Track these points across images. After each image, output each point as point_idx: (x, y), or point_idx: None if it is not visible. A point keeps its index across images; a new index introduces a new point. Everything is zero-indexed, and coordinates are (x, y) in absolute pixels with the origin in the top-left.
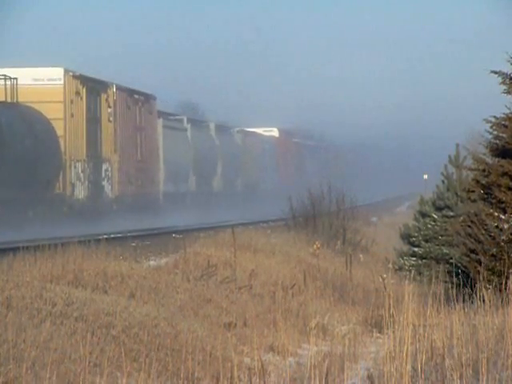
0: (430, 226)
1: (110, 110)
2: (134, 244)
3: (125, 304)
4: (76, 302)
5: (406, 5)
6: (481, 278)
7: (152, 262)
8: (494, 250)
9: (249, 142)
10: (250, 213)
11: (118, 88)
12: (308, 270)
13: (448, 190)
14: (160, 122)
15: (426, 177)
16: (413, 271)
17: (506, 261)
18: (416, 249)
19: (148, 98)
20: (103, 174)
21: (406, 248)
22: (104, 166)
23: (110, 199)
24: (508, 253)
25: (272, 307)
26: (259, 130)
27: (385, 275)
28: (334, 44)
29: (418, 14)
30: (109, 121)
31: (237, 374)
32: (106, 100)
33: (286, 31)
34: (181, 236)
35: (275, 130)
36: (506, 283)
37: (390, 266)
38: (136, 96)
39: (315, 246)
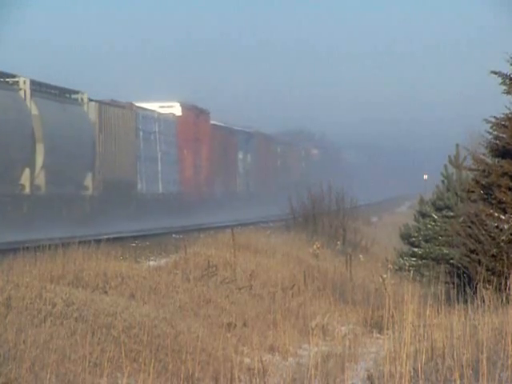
0: (429, 226)
1: None
2: (134, 244)
3: (125, 304)
4: (76, 302)
5: (406, 5)
6: (481, 278)
7: (152, 263)
8: (494, 250)
9: (114, 119)
10: (99, 228)
11: None
12: (308, 271)
13: (448, 190)
14: None
15: (425, 177)
16: (413, 271)
17: (506, 261)
18: (416, 249)
19: None
20: None
21: (405, 248)
22: None
23: None
24: (508, 253)
25: (272, 307)
26: (153, 106)
27: (385, 275)
28: (333, 43)
29: (418, 13)
30: None
31: (237, 375)
32: None
33: (283, 28)
34: (181, 236)
35: (176, 105)
36: (505, 283)
37: (390, 266)
38: None
39: (315, 246)
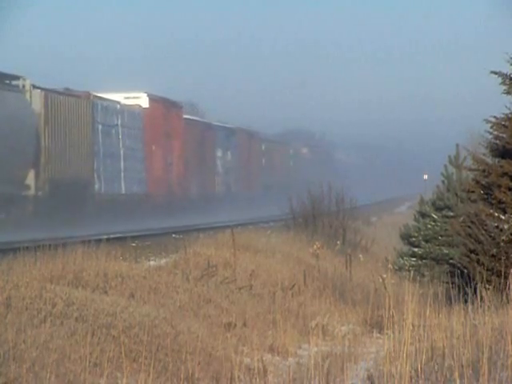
0: (429, 226)
1: None
2: (134, 244)
3: (125, 304)
4: (76, 302)
5: (406, 5)
6: (481, 278)
7: (152, 262)
8: (494, 250)
9: (64, 110)
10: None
11: None
12: (308, 270)
13: (448, 190)
14: None
15: (425, 177)
16: (413, 271)
17: (506, 261)
18: (416, 249)
19: None
20: None
21: (405, 248)
22: None
23: None
24: (508, 253)
25: (272, 307)
26: (117, 97)
27: (385, 275)
28: (333, 42)
29: (419, 13)
30: None
31: (237, 375)
32: None
33: (282, 28)
34: (181, 236)
35: (143, 96)
36: (505, 283)
37: (390, 266)
38: None
39: (315, 246)
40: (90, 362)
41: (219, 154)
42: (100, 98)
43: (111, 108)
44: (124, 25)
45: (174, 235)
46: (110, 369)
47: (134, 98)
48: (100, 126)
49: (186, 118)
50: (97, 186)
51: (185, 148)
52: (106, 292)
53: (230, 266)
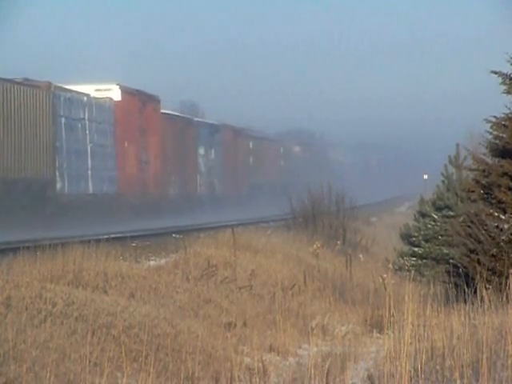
0: (430, 226)
1: None
2: (134, 244)
3: (125, 304)
4: (76, 302)
5: (406, 4)
6: (481, 278)
7: (152, 262)
8: (494, 250)
9: (19, 101)
10: None
11: None
12: (308, 270)
13: (448, 190)
14: None
15: (425, 177)
16: (413, 271)
17: (506, 261)
18: (416, 249)
19: None
20: None
21: (406, 248)
22: None
23: None
24: (508, 253)
25: (272, 307)
26: (87, 89)
27: (385, 275)
28: (332, 42)
29: (418, 13)
30: None
31: (237, 374)
32: None
33: (283, 29)
34: (181, 236)
35: (115, 88)
36: (506, 283)
37: (390, 266)
38: None
39: (315, 246)
40: (90, 361)
41: (201, 151)
42: (63, 89)
43: (76, 100)
44: (124, 25)
45: (174, 235)
46: (109, 369)
47: (104, 90)
48: (63, 120)
49: (164, 113)
50: (59, 185)
51: (163, 145)
52: (106, 292)
53: (230, 266)
